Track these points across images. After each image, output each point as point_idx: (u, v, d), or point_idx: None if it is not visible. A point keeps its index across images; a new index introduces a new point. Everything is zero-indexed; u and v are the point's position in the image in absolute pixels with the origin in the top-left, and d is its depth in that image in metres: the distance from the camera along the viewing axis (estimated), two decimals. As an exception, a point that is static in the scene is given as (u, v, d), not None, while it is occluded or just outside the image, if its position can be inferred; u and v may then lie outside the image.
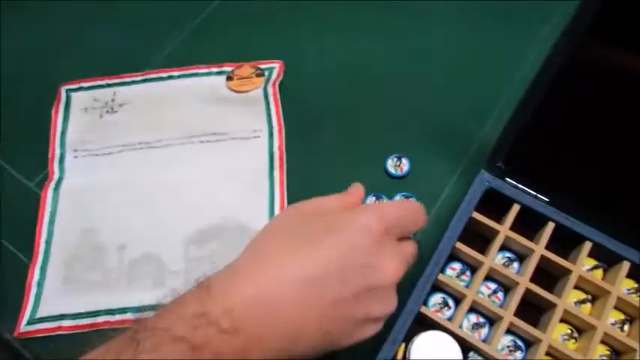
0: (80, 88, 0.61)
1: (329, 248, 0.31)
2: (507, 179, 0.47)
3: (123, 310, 0.48)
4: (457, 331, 0.42)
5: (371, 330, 0.34)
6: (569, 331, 0.43)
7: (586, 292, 0.45)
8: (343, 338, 0.33)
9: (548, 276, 0.47)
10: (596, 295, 0.45)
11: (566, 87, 0.39)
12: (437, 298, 0.45)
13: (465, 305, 0.43)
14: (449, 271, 0.46)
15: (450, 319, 0.44)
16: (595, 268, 0.45)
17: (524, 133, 0.44)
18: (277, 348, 0.30)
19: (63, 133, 0.58)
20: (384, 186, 0.53)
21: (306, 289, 0.30)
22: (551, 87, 0.40)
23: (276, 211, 0.52)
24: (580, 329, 0.44)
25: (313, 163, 0.54)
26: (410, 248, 0.37)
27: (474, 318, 0.44)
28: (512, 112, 0.44)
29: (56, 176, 0.55)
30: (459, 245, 0.45)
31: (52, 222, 0.53)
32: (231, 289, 0.30)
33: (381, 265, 0.33)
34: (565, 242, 0.46)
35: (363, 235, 0.32)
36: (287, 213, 0.37)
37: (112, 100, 0.60)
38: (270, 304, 0.30)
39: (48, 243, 0.52)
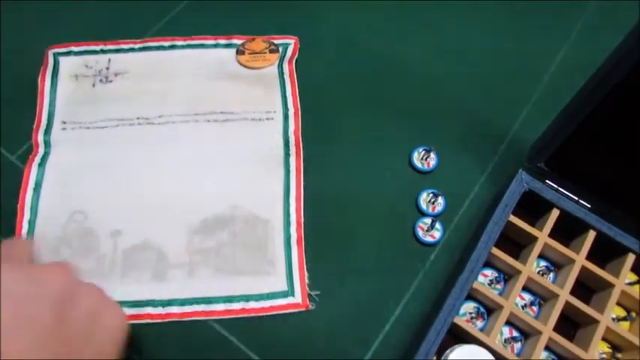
0: (70, 52, 0.55)
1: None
2: (548, 181, 0.44)
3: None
4: (494, 346, 0.38)
5: (110, 323, 0.34)
6: (610, 350, 0.40)
7: (624, 307, 0.42)
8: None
9: (584, 287, 0.44)
10: (635, 311, 0.42)
11: (626, 94, 0.36)
12: (469, 306, 0.42)
13: (502, 318, 0.39)
14: (481, 278, 0.43)
15: (482, 330, 0.40)
16: (636, 282, 0.42)
17: (574, 136, 0.40)
18: None
19: (51, 104, 0.52)
20: (408, 180, 0.49)
21: None
22: (610, 93, 0.36)
23: (292, 201, 0.47)
24: (619, 348, 0.41)
25: (331, 151, 0.50)
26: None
27: (507, 331, 0.41)
28: (562, 112, 0.40)
29: (41, 150, 0.49)
30: (495, 251, 0.42)
31: (35, 201, 0.47)
32: None
33: (39, 281, 0.32)
34: (603, 252, 0.43)
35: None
36: None
37: (107, 69, 0.54)
38: None
39: (31, 224, 0.46)
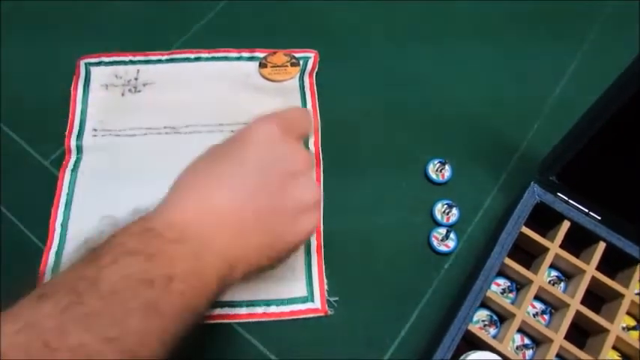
0: (101, 63, 0.57)
1: (244, 157, 0.35)
2: (559, 194, 0.45)
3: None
4: (507, 353, 0.40)
5: (308, 222, 0.36)
6: (620, 359, 0.42)
7: (634, 317, 0.44)
8: (285, 233, 0.35)
9: (594, 296, 0.45)
10: (643, 321, 0.43)
11: (638, 109, 0.37)
12: (482, 314, 0.43)
13: (515, 325, 0.41)
14: (494, 287, 0.44)
15: (494, 337, 0.42)
16: (645, 293, 0.44)
17: (586, 150, 0.41)
18: (226, 252, 0.32)
19: (83, 111, 0.54)
20: (423, 191, 0.50)
21: (238, 195, 0.33)
22: (622, 108, 0.38)
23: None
24: (629, 356, 0.42)
25: (350, 162, 0.52)
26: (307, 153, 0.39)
27: (518, 339, 0.43)
28: (574, 127, 0.41)
29: (74, 155, 0.52)
30: (508, 261, 0.43)
31: (68, 204, 0.49)
32: (170, 209, 0.33)
33: (291, 154, 0.36)
34: (613, 263, 0.45)
35: (266, 135, 0.35)
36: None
37: (135, 79, 0.57)
38: (208, 214, 0.33)
39: (64, 227, 0.49)
